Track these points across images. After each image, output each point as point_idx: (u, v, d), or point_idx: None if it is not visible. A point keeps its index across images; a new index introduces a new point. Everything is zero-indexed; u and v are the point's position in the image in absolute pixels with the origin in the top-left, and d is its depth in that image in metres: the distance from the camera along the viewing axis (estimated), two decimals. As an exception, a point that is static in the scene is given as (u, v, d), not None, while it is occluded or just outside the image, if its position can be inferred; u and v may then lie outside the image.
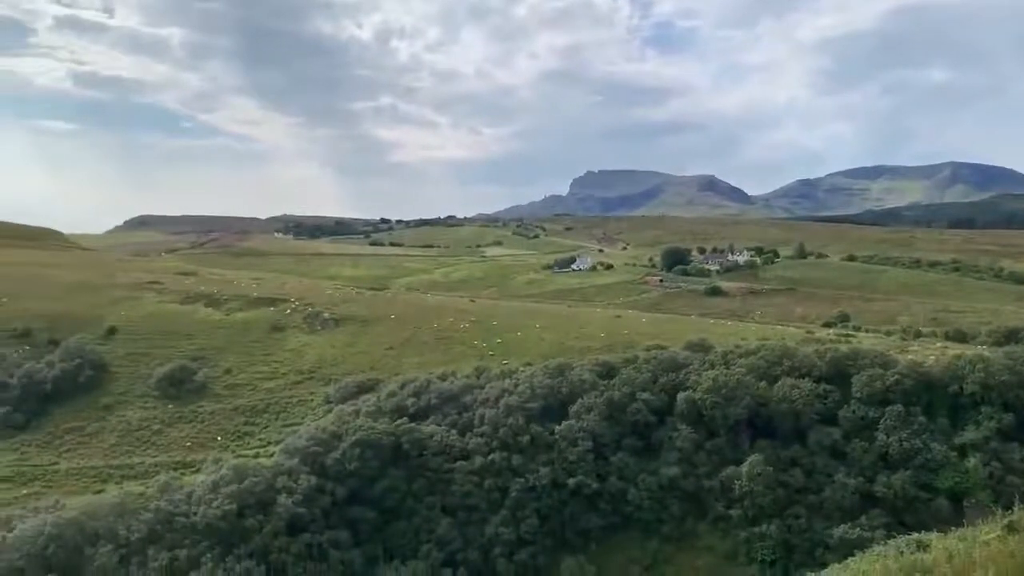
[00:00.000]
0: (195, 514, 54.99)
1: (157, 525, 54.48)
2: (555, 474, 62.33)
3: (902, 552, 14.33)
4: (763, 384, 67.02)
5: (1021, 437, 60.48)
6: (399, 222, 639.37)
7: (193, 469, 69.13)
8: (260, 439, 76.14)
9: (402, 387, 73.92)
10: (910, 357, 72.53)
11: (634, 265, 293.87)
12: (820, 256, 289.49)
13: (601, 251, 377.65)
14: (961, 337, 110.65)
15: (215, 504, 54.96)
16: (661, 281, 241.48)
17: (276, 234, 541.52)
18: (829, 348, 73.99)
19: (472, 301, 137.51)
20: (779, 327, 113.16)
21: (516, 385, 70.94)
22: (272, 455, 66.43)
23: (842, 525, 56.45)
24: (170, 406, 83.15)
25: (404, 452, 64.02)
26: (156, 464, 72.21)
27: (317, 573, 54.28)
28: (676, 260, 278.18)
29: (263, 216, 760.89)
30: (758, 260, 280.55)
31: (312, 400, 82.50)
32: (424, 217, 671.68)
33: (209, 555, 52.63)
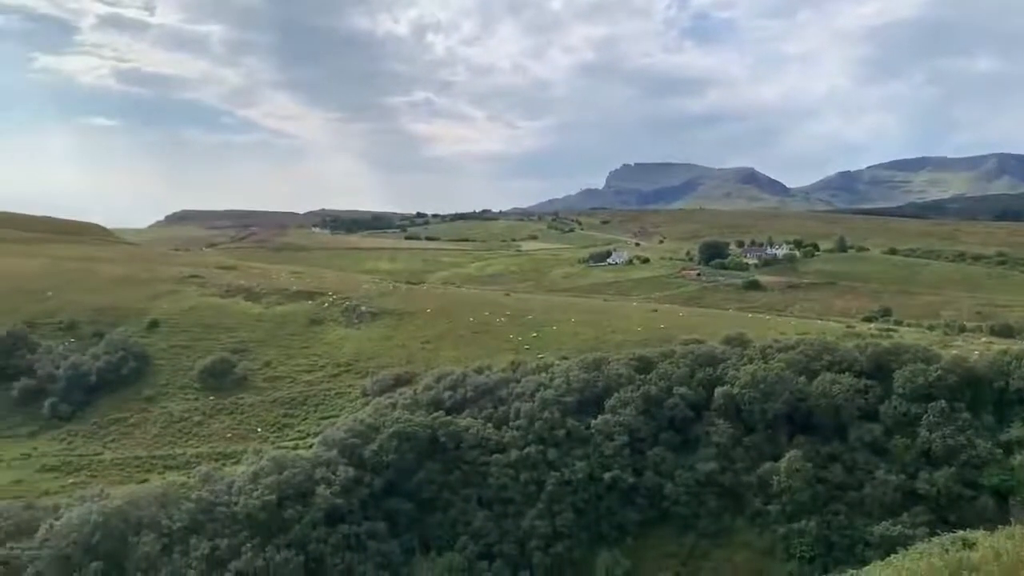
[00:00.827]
0: (236, 504, 55.87)
1: (199, 515, 55.45)
2: (591, 468, 62.14)
3: (947, 550, 14.12)
4: (802, 379, 66.15)
5: (1070, 434, 59.02)
6: (435, 216, 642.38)
7: (233, 460, 70.15)
8: (299, 431, 77.06)
9: (438, 380, 74.23)
10: (954, 352, 71.13)
11: (671, 259, 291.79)
12: (861, 249, 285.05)
13: (637, 245, 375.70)
14: (1007, 332, 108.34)
15: (255, 494, 55.74)
16: (698, 275, 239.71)
17: (313, 229, 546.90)
18: (870, 343, 72.82)
19: (507, 295, 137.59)
20: (819, 321, 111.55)
21: (552, 379, 70.85)
22: (311, 446, 67.14)
23: (883, 522, 55.59)
24: (211, 398, 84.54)
25: (440, 445, 64.37)
26: (197, 455, 73.43)
27: (355, 563, 54.87)
28: (714, 254, 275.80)
29: (301, 211, 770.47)
30: (797, 253, 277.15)
31: (350, 392, 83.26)
32: (459, 211, 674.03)
33: (249, 544, 53.46)
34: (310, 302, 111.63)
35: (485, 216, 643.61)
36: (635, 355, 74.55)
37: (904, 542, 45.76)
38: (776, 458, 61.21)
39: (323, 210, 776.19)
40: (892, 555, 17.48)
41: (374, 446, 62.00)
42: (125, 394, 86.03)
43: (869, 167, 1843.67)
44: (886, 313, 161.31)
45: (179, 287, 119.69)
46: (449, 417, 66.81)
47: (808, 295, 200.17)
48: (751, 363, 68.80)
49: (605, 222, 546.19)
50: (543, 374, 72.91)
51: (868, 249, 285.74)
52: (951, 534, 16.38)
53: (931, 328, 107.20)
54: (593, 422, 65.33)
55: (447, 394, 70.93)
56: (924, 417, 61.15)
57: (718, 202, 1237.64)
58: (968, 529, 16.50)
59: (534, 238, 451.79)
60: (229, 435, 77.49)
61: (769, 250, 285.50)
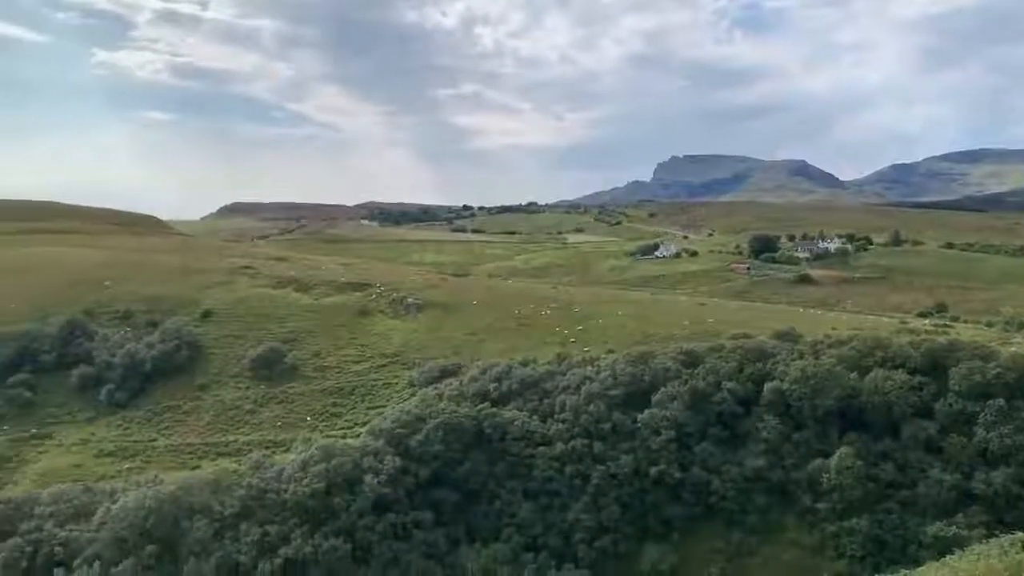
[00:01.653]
0: (285, 491, 56.82)
1: (250, 501, 56.54)
2: (637, 462, 61.76)
3: (1006, 551, 13.73)
4: (854, 375, 64.84)
5: None
6: (481, 209, 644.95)
7: (283, 448, 71.27)
8: (347, 420, 78.04)
9: (484, 372, 74.49)
10: (1013, 349, 69.05)
11: (720, 252, 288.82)
12: (916, 243, 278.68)
13: (686, 238, 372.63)
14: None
15: (304, 482, 56.65)
16: (748, 269, 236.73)
17: (362, 221, 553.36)
18: (925, 339, 71.06)
19: (553, 287, 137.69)
20: (871, 317, 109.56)
21: (598, 372, 70.58)
22: (359, 436, 67.93)
23: (937, 522, 54.29)
24: (262, 387, 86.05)
25: (486, 436, 64.61)
26: (248, 442, 74.91)
27: (401, 553, 55.47)
28: (764, 247, 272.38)
29: (350, 203, 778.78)
30: (850, 247, 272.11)
31: (397, 383, 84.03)
32: (506, 204, 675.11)
33: (298, 531, 54.36)
34: (358, 293, 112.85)
35: (531, 209, 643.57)
36: (683, 349, 73.86)
37: (959, 543, 44.82)
38: (826, 455, 60.14)
39: (372, 202, 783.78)
40: (947, 555, 17.08)
41: (420, 436, 62.48)
42: (179, 382, 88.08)
43: (925, 159, 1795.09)
44: (941, 309, 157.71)
45: (231, 278, 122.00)
46: (495, 409, 67.02)
47: (861, 290, 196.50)
48: (801, 358, 67.68)
49: (652, 215, 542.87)
50: (589, 367, 72.64)
51: (923, 243, 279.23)
52: (1010, 535, 15.96)
53: (989, 324, 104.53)
54: (639, 416, 64.90)
55: (492, 386, 71.15)
56: (981, 415, 59.51)
57: (769, 195, 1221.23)
58: (1028, 531, 16.06)
59: (580, 231, 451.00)
60: (279, 423, 78.86)
61: (821, 244, 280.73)
